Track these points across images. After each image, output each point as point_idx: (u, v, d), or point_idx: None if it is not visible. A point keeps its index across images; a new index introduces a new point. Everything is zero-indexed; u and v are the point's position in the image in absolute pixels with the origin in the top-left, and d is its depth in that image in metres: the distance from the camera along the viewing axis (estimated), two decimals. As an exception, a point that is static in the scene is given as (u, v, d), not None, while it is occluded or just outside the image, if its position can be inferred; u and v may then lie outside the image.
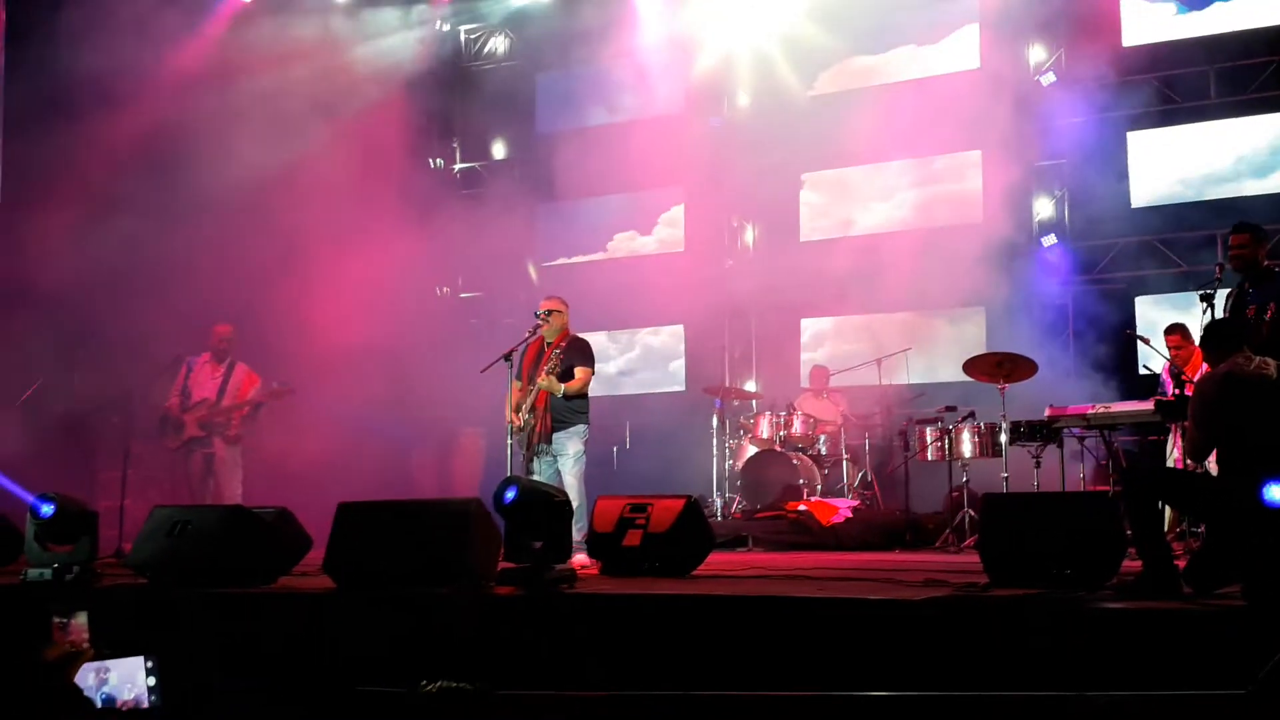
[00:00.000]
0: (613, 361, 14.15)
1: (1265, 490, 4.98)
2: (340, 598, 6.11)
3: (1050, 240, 12.62)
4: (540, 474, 8.09)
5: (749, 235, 14.30)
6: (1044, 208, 12.82)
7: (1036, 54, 12.78)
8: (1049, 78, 12.61)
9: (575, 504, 7.71)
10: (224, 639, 6.04)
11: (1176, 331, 9.46)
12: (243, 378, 9.93)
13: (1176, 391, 8.78)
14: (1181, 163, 12.37)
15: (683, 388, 14.12)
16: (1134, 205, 12.48)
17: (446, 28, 14.93)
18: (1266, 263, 7.22)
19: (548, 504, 6.32)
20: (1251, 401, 5.72)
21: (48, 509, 6.64)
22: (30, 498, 6.76)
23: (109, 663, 4.97)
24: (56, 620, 5.14)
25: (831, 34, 13.21)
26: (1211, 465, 6.43)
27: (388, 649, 5.72)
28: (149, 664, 5.00)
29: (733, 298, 13.63)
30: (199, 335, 10.12)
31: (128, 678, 4.95)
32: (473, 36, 15.24)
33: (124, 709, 4.87)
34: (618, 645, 5.33)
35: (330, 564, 6.28)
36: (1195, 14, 12.06)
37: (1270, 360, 5.86)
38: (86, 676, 4.89)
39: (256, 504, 7.28)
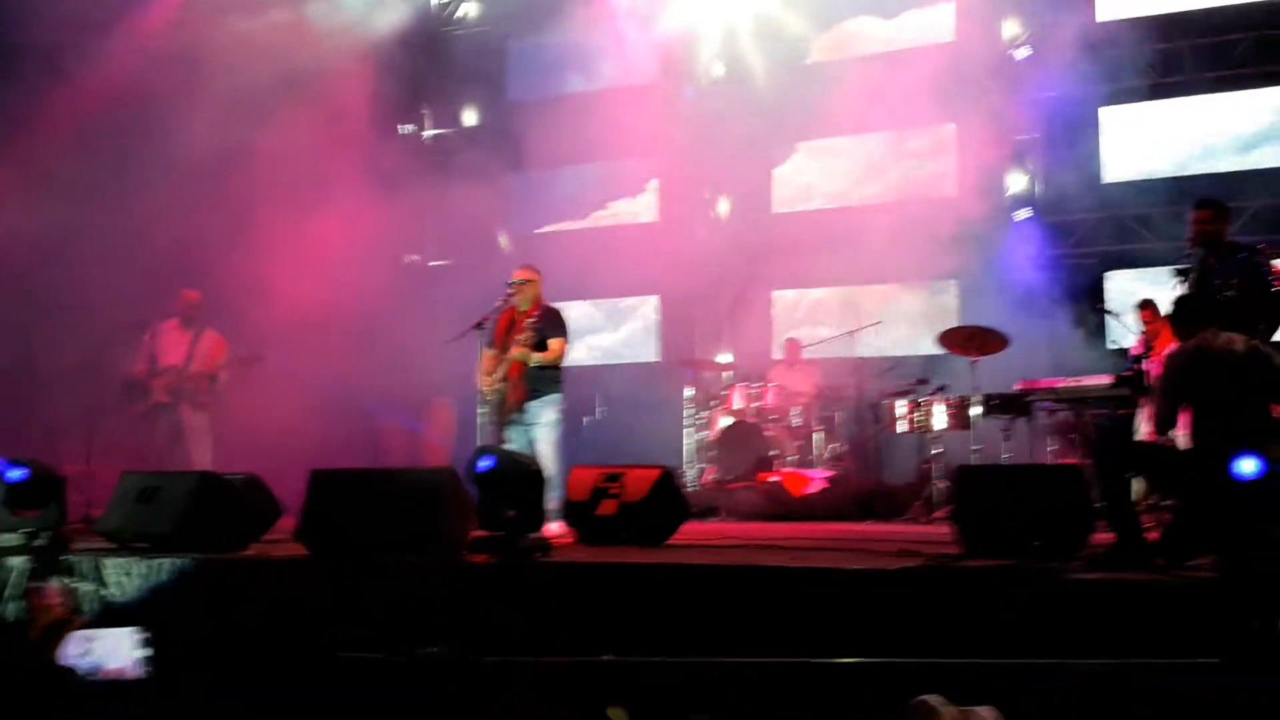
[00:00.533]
0: (600, 334, 14.14)
1: (1234, 464, 5.03)
2: (313, 565, 6.09)
3: (1023, 214, 12.67)
4: (513, 443, 8.06)
5: (722, 206, 14.26)
6: (1017, 182, 12.85)
7: (1010, 28, 12.77)
8: (1023, 51, 12.62)
9: (549, 473, 7.72)
10: (197, 605, 6.03)
11: (1148, 307, 9.51)
12: (211, 343, 9.81)
13: (1137, 367, 8.79)
14: (1154, 139, 12.42)
15: (656, 358, 14.11)
16: (1105, 180, 12.53)
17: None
18: (1230, 239, 7.24)
19: (522, 473, 6.33)
20: (1220, 375, 5.82)
21: (16, 474, 6.58)
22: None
23: (95, 632, 4.93)
24: (30, 585, 5.10)
25: (806, 6, 13.15)
26: (1179, 436, 6.51)
27: (361, 617, 5.71)
28: (140, 635, 4.96)
29: (705, 269, 13.61)
30: (164, 301, 9.99)
31: (114, 648, 4.91)
32: (444, 1, 15.06)
33: (107, 679, 4.83)
34: (593, 614, 5.34)
35: (303, 532, 6.26)
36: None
37: (1237, 335, 5.94)
38: (72, 646, 4.85)
39: (227, 470, 7.23)
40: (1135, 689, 4.31)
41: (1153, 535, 5.89)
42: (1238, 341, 5.91)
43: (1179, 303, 6.32)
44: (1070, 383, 9.43)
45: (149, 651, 4.93)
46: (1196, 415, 5.90)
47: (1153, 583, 4.91)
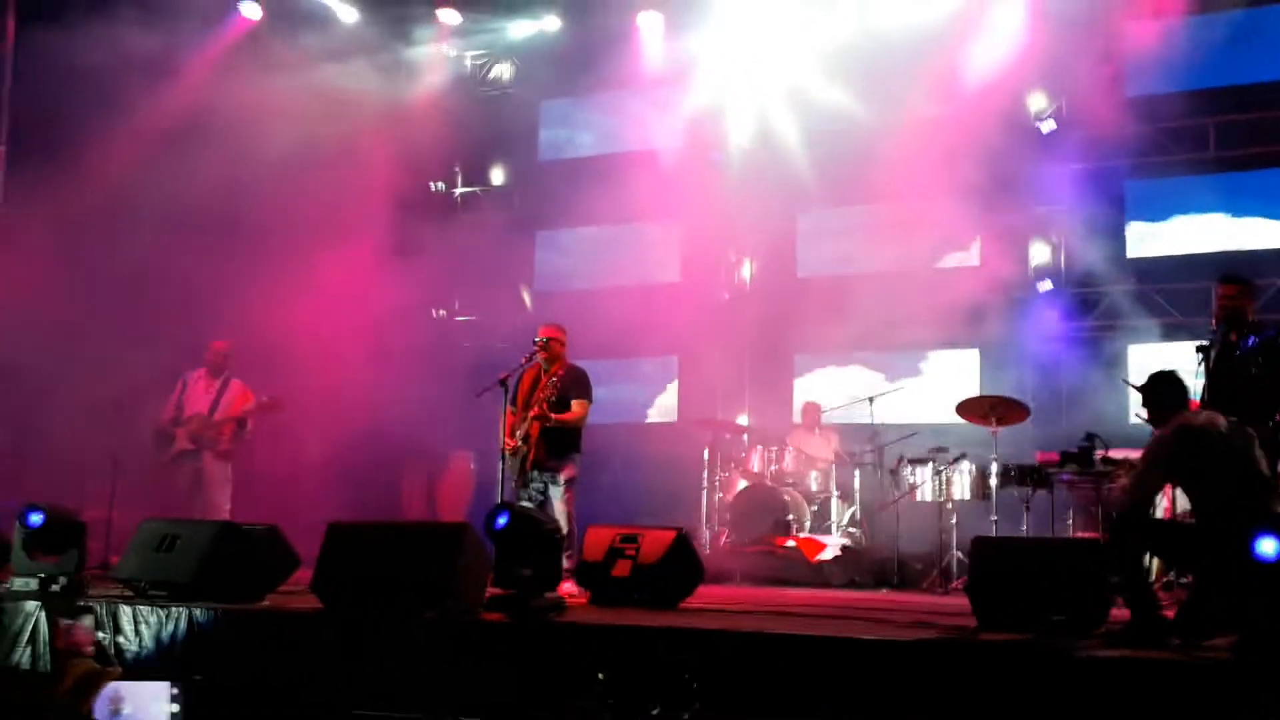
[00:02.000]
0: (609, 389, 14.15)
1: (1255, 544, 5.00)
2: (328, 618, 6.10)
3: (1046, 285, 12.68)
4: (531, 501, 8.08)
5: (746, 269, 14.33)
6: (1040, 253, 12.87)
7: (1037, 100, 12.85)
8: (1048, 125, 12.70)
9: (565, 532, 7.72)
10: (213, 656, 6.04)
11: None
12: (237, 393, 9.92)
13: None
14: (1179, 215, 12.45)
15: (674, 419, 14.12)
16: (1130, 255, 12.55)
17: (453, 53, 14.96)
18: (1254, 316, 7.25)
19: (538, 531, 6.34)
20: (1205, 452, 5.83)
21: (36, 518, 6.64)
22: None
23: (126, 685, 4.91)
24: (62, 623, 5.11)
25: (836, 76, 13.26)
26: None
27: (374, 670, 5.72)
28: (174, 690, 4.94)
29: (727, 331, 13.65)
30: (194, 349, 10.11)
31: (147, 704, 4.88)
32: (478, 63, 15.28)
33: None
34: (605, 675, 5.32)
35: (319, 583, 6.28)
36: (1198, 69, 12.13)
37: (1217, 414, 6.03)
38: (103, 703, 4.83)
39: (246, 520, 7.26)
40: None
41: (1169, 612, 5.87)
42: (1219, 419, 5.96)
43: (1150, 385, 6.24)
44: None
45: (181, 707, 4.91)
46: (1188, 491, 6.01)
47: (1169, 662, 4.87)
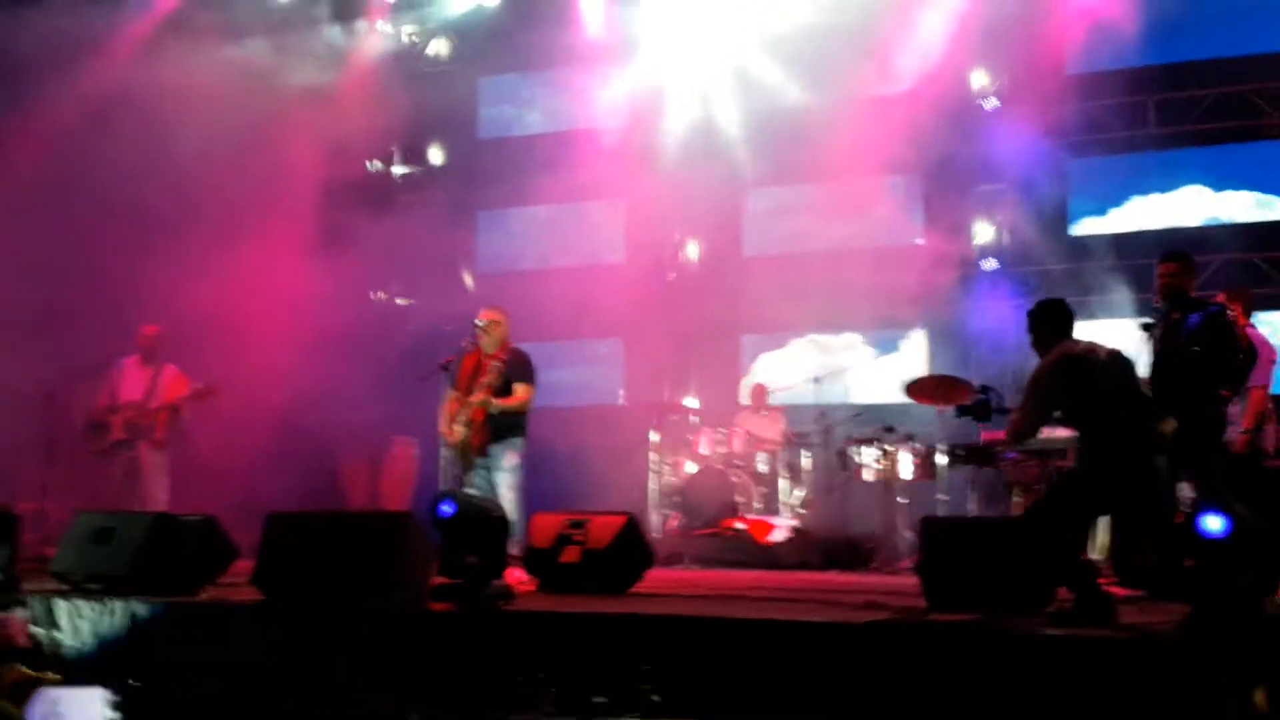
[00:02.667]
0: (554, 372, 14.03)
1: (1200, 521, 5.01)
2: (270, 609, 5.98)
3: (990, 264, 12.73)
4: (475, 487, 7.96)
5: (691, 249, 14.25)
6: (984, 231, 12.91)
7: (979, 78, 12.87)
8: (991, 102, 12.73)
9: (511, 518, 7.62)
10: (151, 649, 5.91)
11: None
12: (171, 379, 9.69)
13: None
14: (1120, 192, 12.54)
15: (621, 401, 14.04)
16: (1072, 233, 12.63)
17: (389, 29, 14.67)
18: (1195, 293, 7.28)
19: (483, 518, 6.25)
20: (1087, 379, 6.06)
21: (-34, 513, 6.45)
22: None
23: (63, 691, 4.77)
24: None
25: (780, 55, 13.20)
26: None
27: (318, 664, 5.61)
28: (110, 696, 4.80)
29: (673, 311, 13.57)
30: (126, 336, 9.87)
31: (82, 709, 4.74)
32: (414, 39, 15.01)
33: None
34: (554, 663, 5.25)
35: (260, 576, 6.16)
36: (1140, 46, 12.20)
37: (1096, 342, 6.25)
38: (39, 710, 4.68)
39: (184, 510, 7.11)
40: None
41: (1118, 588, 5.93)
42: (1099, 348, 6.21)
43: (1036, 312, 6.43)
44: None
45: (118, 714, 4.77)
46: (1073, 421, 6.20)
47: (1116, 641, 4.89)
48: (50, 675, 4.87)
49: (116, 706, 4.78)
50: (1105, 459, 6.01)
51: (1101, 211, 12.64)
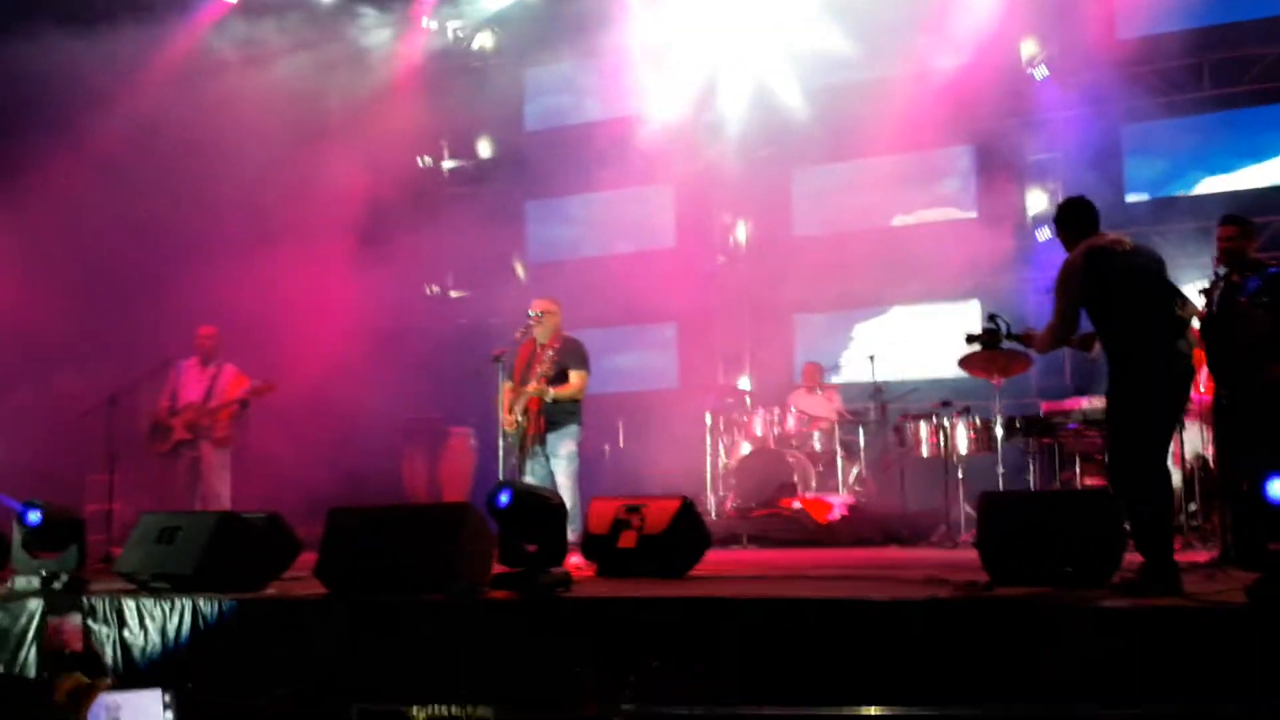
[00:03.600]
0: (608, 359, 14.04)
1: (1267, 486, 4.91)
2: (333, 603, 6.04)
3: (1045, 234, 12.57)
4: (533, 476, 8.00)
5: (741, 231, 14.20)
6: (1037, 201, 12.76)
7: (1029, 48, 12.70)
8: (1041, 71, 12.56)
9: (569, 505, 7.65)
10: (218, 646, 5.99)
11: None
12: (230, 379, 9.81)
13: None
14: (1175, 156, 12.33)
15: (675, 385, 14.03)
16: (1128, 199, 12.44)
17: (434, 24, 14.74)
18: (1254, 255, 7.15)
19: (542, 507, 6.25)
20: (1113, 273, 5.89)
21: (34, 516, 6.56)
22: (17, 505, 6.67)
23: (122, 695, 4.83)
24: (51, 621, 5.03)
25: (828, 32, 13.09)
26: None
27: (381, 655, 5.66)
28: (167, 697, 4.86)
29: (725, 294, 13.55)
30: (186, 339, 10.01)
31: (142, 712, 4.80)
32: (460, 33, 15.06)
33: None
34: (615, 648, 5.26)
35: (322, 570, 6.22)
36: (1189, 8, 11.98)
37: (1123, 235, 6.13)
38: (98, 714, 4.75)
39: (247, 507, 7.19)
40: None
41: (1184, 556, 5.84)
42: (1125, 240, 6.07)
43: (1064, 208, 6.31)
44: (1094, 403, 9.31)
45: (175, 714, 4.83)
46: (1097, 317, 5.97)
47: (1183, 610, 4.82)
48: (105, 681, 4.94)
49: (173, 706, 4.82)
50: (1131, 358, 5.84)
51: (1156, 177, 12.44)
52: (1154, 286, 5.98)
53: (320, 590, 6.17)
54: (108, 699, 4.78)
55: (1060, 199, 12.45)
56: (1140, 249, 6.10)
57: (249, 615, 6.09)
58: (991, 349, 7.23)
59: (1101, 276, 5.92)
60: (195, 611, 6.10)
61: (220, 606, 6.08)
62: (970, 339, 7.27)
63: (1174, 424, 6.04)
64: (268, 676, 5.77)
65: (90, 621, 6.20)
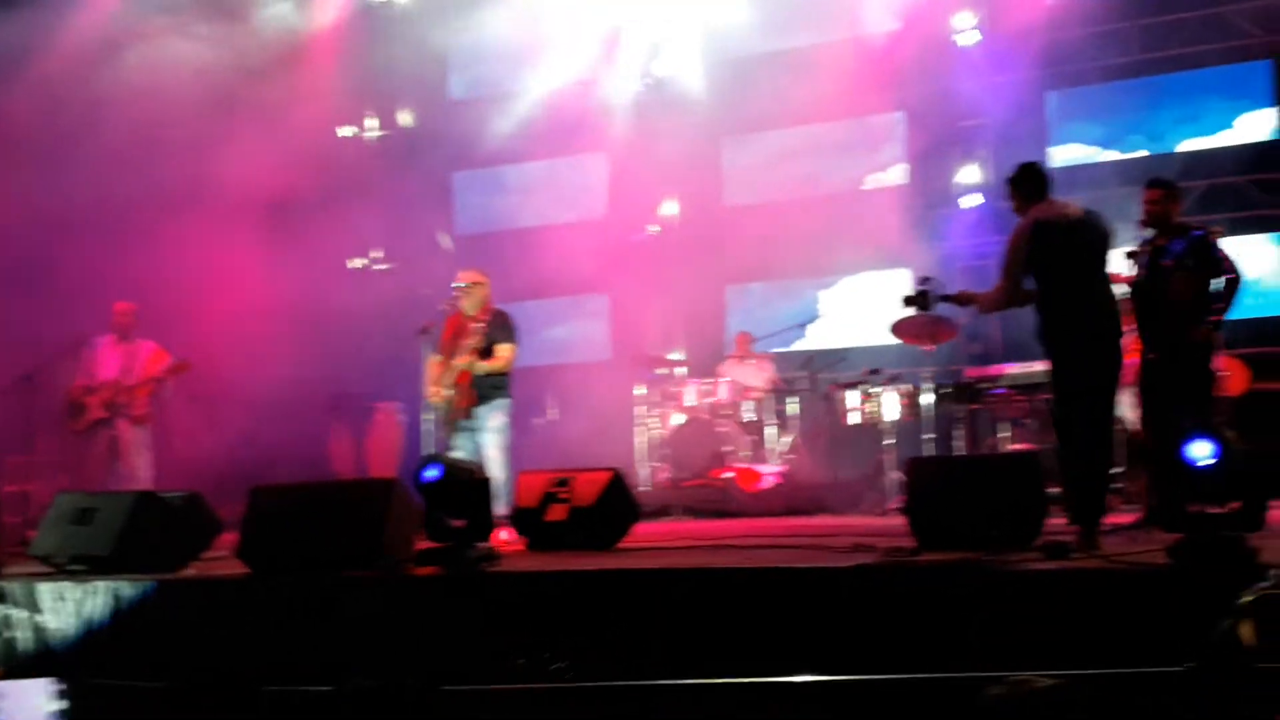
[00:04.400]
0: (540, 331, 13.96)
1: (1186, 448, 4.94)
2: (255, 583, 5.93)
3: (974, 200, 12.63)
4: (461, 450, 7.91)
5: (672, 201, 14.12)
6: (967, 169, 12.80)
7: (958, 15, 12.71)
8: (970, 37, 12.58)
9: (499, 479, 7.59)
10: (136, 630, 5.86)
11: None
12: (149, 356, 9.58)
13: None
14: (1101, 120, 12.44)
15: (608, 357, 13.97)
16: (1055, 164, 12.52)
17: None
18: (1179, 218, 7.21)
19: (469, 481, 6.18)
20: (1062, 246, 6.14)
21: (-57, 498, 6.39)
22: None
23: (6, 684, 4.69)
24: None
25: (752, 6, 13.02)
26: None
27: (306, 633, 5.57)
28: (55, 686, 4.73)
29: (657, 265, 13.48)
30: (103, 314, 9.76)
31: (28, 702, 4.66)
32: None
33: None
34: (542, 622, 5.21)
35: (245, 549, 6.11)
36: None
37: (1069, 202, 6.37)
38: None
39: (167, 486, 7.05)
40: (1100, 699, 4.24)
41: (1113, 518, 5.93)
42: (1071, 209, 6.29)
43: (1018, 175, 6.49)
44: (1021, 368, 9.39)
45: (65, 704, 4.70)
46: (1042, 281, 6.16)
47: (1106, 572, 4.86)
48: None
49: (62, 696, 4.70)
50: (1067, 326, 6.09)
51: (1082, 141, 12.54)
52: (1096, 259, 6.21)
53: (242, 570, 6.06)
54: None
55: (989, 166, 12.66)
56: (1087, 221, 6.27)
57: (169, 596, 5.98)
58: (925, 310, 7.34)
59: (1046, 247, 6.12)
60: (112, 593, 5.98)
61: (138, 588, 5.96)
62: (906, 300, 7.35)
63: (1112, 389, 6.23)
64: (190, 658, 5.66)
65: (4, 606, 6.06)
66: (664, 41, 13.66)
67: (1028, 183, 6.46)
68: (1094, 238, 6.26)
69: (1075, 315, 6.09)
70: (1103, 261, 6.28)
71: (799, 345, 11.47)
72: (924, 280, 7.29)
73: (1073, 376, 6.10)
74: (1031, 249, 6.17)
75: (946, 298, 7.16)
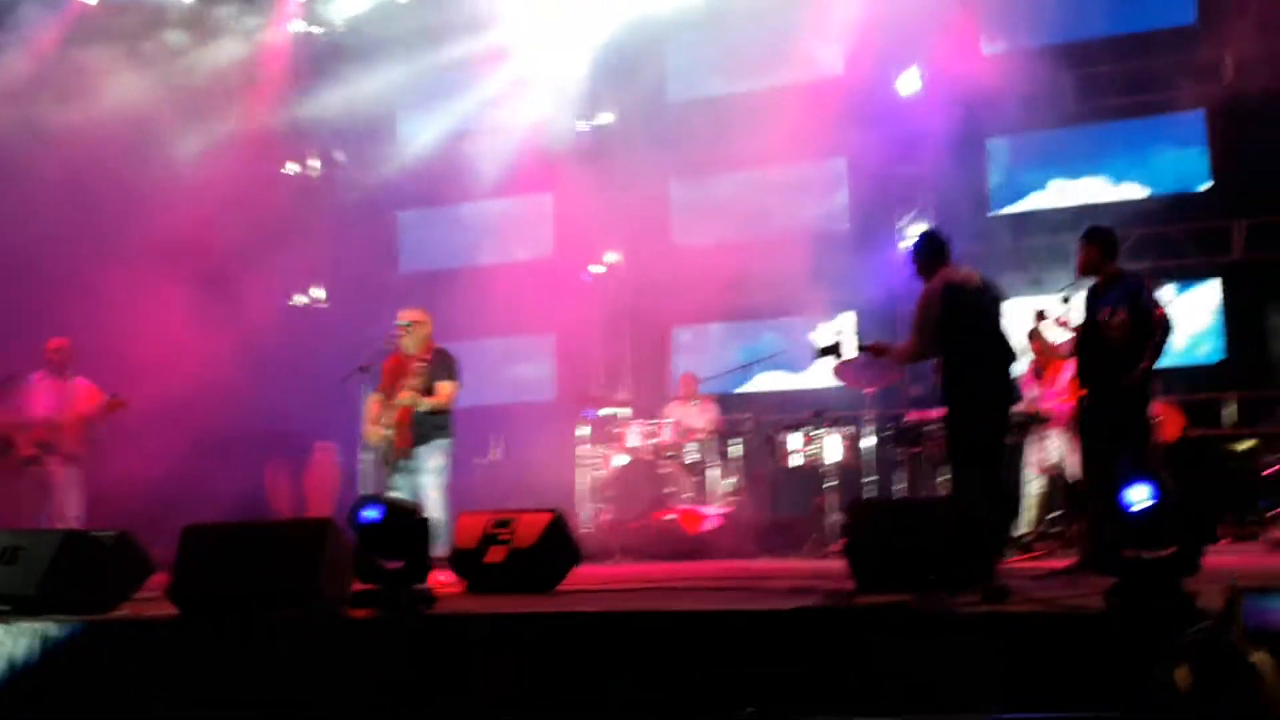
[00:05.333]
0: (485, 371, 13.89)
1: (1124, 492, 4.98)
2: (185, 624, 5.81)
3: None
4: (399, 490, 7.83)
5: (618, 243, 14.14)
6: (907, 215, 12.95)
7: (898, 62, 12.89)
8: (910, 86, 12.76)
9: (439, 520, 7.51)
10: (63, 671, 5.72)
11: (1035, 338, 9.60)
12: (82, 393, 9.42)
13: (1033, 395, 9.07)
14: (1038, 169, 12.65)
15: (553, 398, 13.92)
16: (993, 213, 12.71)
17: (300, 25, 14.27)
18: (1114, 266, 7.32)
19: (407, 521, 6.10)
20: (963, 306, 6.83)
21: None
22: None
23: None
24: None
25: (699, 43, 13.15)
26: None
27: (237, 677, 5.45)
28: None
29: (604, 305, 13.48)
30: (35, 353, 9.59)
31: None
32: (322, 38, 14.63)
33: None
34: (478, 666, 5.14)
35: (175, 590, 5.98)
36: (1057, 23, 12.28)
37: (972, 271, 7.09)
38: None
39: (100, 525, 6.90)
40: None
41: (1049, 563, 5.96)
42: (975, 276, 7.02)
43: (919, 244, 7.23)
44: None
45: None
46: (949, 343, 6.79)
47: (1045, 615, 4.86)
48: None
49: None
50: (967, 381, 6.72)
51: (1021, 190, 12.74)
52: (995, 321, 6.92)
53: (173, 611, 5.94)
54: None
55: (930, 212, 12.83)
56: (987, 286, 7.01)
57: (98, 638, 5.84)
58: (839, 358, 7.72)
59: (954, 309, 6.78)
60: (38, 635, 5.82)
61: (65, 629, 5.81)
62: (822, 351, 7.72)
63: (1001, 443, 6.94)
64: (119, 701, 5.53)
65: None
66: (614, 81, 13.72)
67: (931, 250, 7.06)
68: (993, 303, 6.93)
69: (977, 371, 6.70)
70: (998, 322, 6.93)
71: (744, 388, 11.49)
72: (836, 332, 7.80)
73: (972, 426, 6.72)
74: (943, 310, 6.74)
75: (864, 348, 7.56)
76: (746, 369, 11.51)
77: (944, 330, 6.80)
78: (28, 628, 5.83)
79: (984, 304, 6.90)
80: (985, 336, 6.82)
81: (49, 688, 5.70)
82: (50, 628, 5.82)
